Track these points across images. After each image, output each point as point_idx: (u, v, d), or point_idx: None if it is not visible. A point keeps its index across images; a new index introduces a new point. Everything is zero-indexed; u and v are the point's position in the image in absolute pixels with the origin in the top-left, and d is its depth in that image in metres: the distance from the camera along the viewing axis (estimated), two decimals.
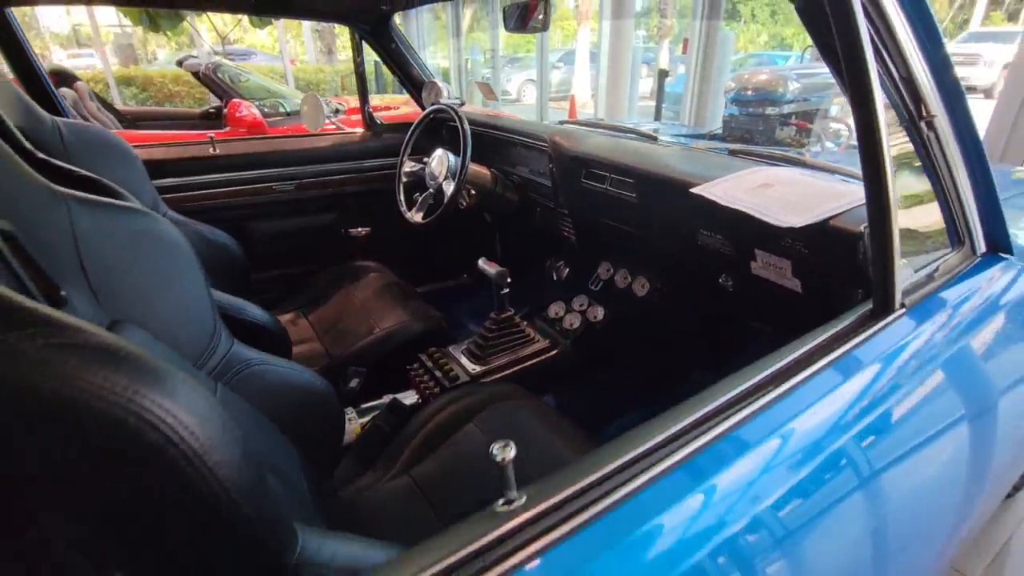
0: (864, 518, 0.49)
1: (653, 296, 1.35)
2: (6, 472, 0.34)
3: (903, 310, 0.56)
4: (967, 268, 0.67)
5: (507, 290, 1.26)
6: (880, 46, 0.52)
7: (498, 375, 1.27)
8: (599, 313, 1.40)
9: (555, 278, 1.69)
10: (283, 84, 6.60)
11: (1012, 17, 20.99)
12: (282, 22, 8.66)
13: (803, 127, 2.55)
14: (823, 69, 3.21)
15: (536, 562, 0.33)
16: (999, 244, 0.71)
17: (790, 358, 0.50)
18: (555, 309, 1.45)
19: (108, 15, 9.52)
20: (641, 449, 0.40)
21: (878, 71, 0.50)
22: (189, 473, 0.33)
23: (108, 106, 3.47)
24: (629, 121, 2.57)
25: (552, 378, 1.35)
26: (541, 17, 0.94)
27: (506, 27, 1.13)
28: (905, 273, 0.59)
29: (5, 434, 0.31)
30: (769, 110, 2.50)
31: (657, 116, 4.89)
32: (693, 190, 0.92)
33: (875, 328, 0.53)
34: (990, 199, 0.67)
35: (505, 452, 0.34)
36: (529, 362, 1.32)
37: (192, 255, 0.76)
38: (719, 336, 1.29)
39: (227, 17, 7.44)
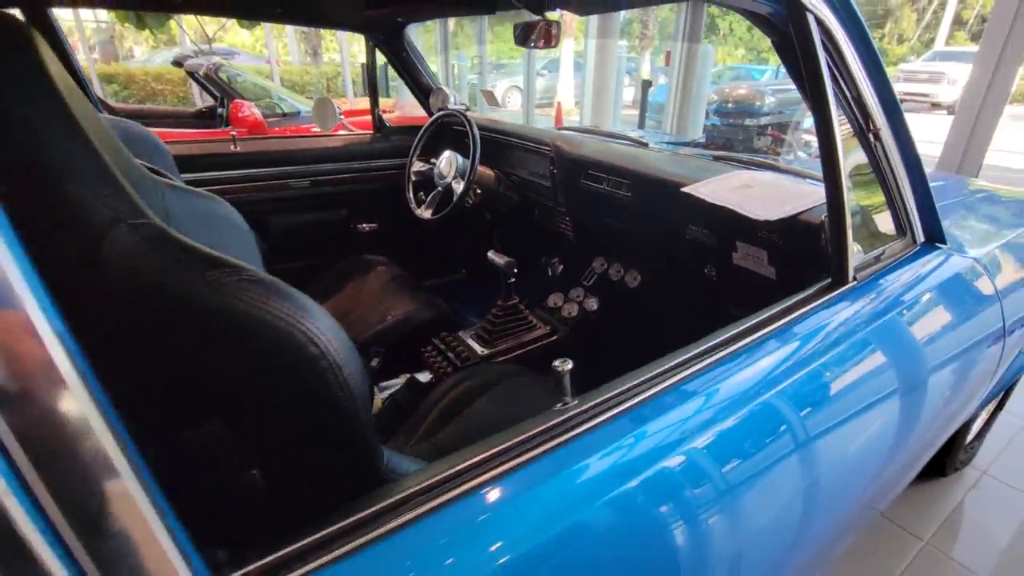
0: (805, 451, 0.63)
1: (643, 288, 1.49)
2: (190, 375, 0.45)
3: (855, 283, 0.70)
4: (908, 254, 0.82)
5: (513, 279, 1.38)
6: (836, 73, 0.66)
7: (504, 357, 1.39)
8: (594, 303, 1.54)
9: (550, 274, 1.82)
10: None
11: (975, 38, 21.89)
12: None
13: (778, 137, 2.76)
14: (786, 84, 3.43)
15: (588, 436, 0.46)
16: (935, 235, 0.86)
17: (762, 318, 0.64)
18: (554, 299, 1.58)
19: (86, 10, 9.39)
20: (632, 383, 0.54)
21: (834, 93, 0.64)
22: (331, 381, 0.44)
23: (103, 103, 3.50)
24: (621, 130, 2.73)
25: (551, 360, 1.48)
26: (555, 33, 1.07)
27: (516, 42, 1.25)
28: (858, 256, 0.73)
29: (210, 343, 0.42)
30: (748, 121, 2.71)
31: (641, 124, 5.08)
32: (684, 189, 1.06)
33: (832, 295, 0.67)
34: (926, 197, 0.82)
35: (564, 365, 0.47)
36: (532, 346, 1.45)
37: (252, 237, 0.87)
38: (700, 322, 1.43)
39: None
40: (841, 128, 0.65)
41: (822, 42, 0.62)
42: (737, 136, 2.86)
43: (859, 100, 0.68)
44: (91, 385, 0.26)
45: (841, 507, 0.73)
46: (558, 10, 1.15)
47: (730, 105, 2.89)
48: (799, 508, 0.63)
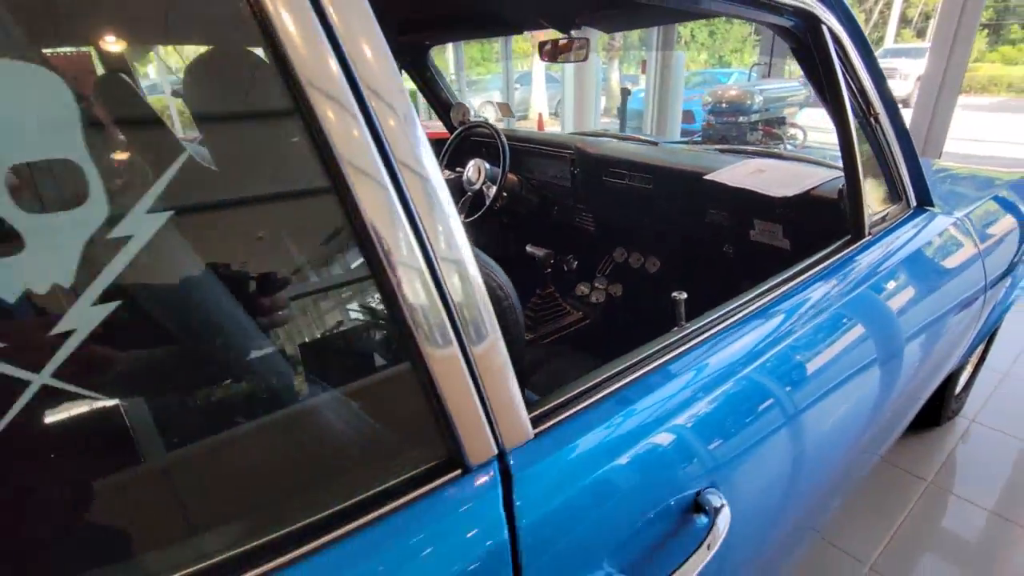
0: (844, 378, 0.78)
1: (663, 272, 1.65)
2: None
3: (871, 236, 0.86)
4: (906, 215, 0.99)
5: (550, 269, 1.53)
6: (844, 71, 0.83)
7: (547, 340, 1.54)
8: (618, 290, 1.69)
9: (565, 269, 1.97)
10: None
11: (920, 34, 22.99)
12: None
13: (768, 132, 3.04)
14: (776, 84, 3.71)
15: (697, 350, 0.61)
16: (925, 200, 1.03)
17: (800, 267, 0.79)
18: (581, 288, 1.73)
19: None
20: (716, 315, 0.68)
21: (845, 85, 0.81)
22: (512, 317, 0.58)
23: None
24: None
25: (588, 341, 1.63)
26: (583, 51, 1.23)
27: (542, 58, 1.41)
28: (869, 213, 0.90)
29: None
30: (740, 119, 2.98)
31: (622, 130, 5.32)
32: (707, 177, 1.23)
33: (854, 248, 0.83)
34: (917, 168, 0.99)
35: (680, 296, 0.62)
36: (568, 329, 1.59)
37: None
38: (719, 295, 1.61)
39: None
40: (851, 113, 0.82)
41: (834, 46, 0.79)
42: (731, 132, 3.13)
43: (862, 91, 0.85)
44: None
45: (856, 442, 0.88)
46: (582, 27, 1.32)
47: (724, 105, 3.17)
48: (827, 439, 0.78)
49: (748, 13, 0.74)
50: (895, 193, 0.99)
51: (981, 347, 1.77)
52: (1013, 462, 1.61)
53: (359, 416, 0.43)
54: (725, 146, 1.54)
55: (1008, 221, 1.29)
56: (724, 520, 0.52)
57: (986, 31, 19.77)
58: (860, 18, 0.95)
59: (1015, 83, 15.64)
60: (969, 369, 1.80)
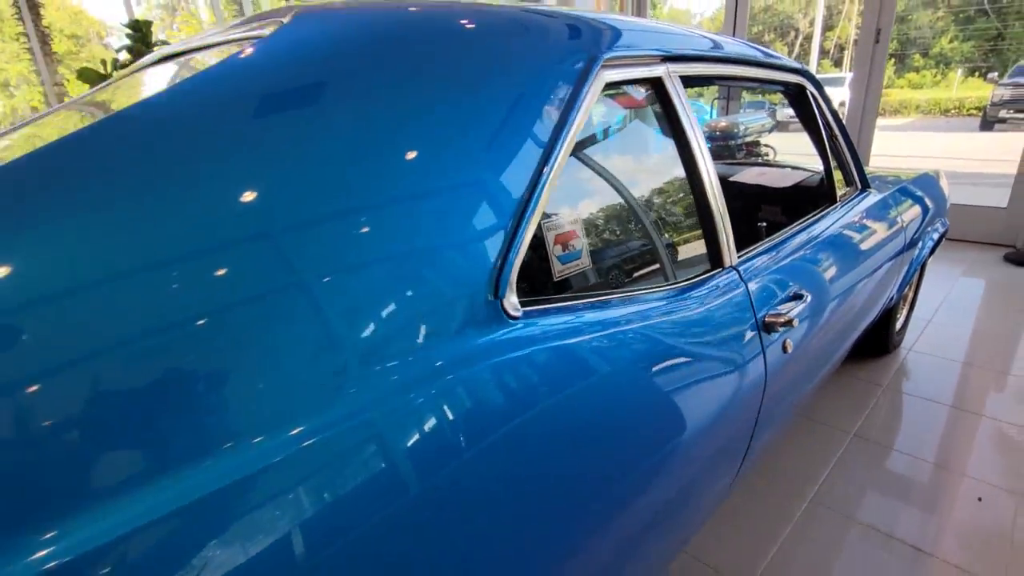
0: (844, 283, 1.41)
1: None
2: None
3: (839, 203, 1.52)
4: (857, 193, 1.67)
5: None
6: (819, 112, 1.50)
7: None
8: None
9: None
10: None
11: (837, 64, 25.41)
12: None
13: (750, 150, 3.93)
14: (751, 117, 4.65)
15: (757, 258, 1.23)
16: (866, 184, 1.72)
17: (803, 220, 1.44)
18: None
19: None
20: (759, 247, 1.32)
21: (820, 120, 1.48)
22: None
23: None
24: None
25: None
26: None
27: None
28: (837, 190, 1.56)
29: None
30: (730, 142, 3.88)
31: None
32: (730, 179, 1.88)
33: (831, 208, 1.49)
34: (860, 167, 1.68)
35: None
36: None
37: None
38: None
39: None
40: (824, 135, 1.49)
41: (813, 99, 1.46)
42: (724, 152, 4.02)
43: (827, 124, 1.53)
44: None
45: (840, 334, 1.52)
46: None
47: (717, 132, 4.10)
48: (813, 349, 1.40)
49: (766, 86, 1.40)
50: (850, 180, 1.67)
51: (909, 293, 2.48)
52: (938, 370, 2.31)
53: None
54: (730, 160, 2.23)
55: (914, 201, 2.00)
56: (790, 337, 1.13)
57: (892, 60, 22.25)
58: (783, 51, 1.59)
59: (922, 106, 17.69)
60: (904, 313, 2.51)
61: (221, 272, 0.40)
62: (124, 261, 0.38)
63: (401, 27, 0.61)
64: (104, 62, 5.96)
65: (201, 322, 0.38)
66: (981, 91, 17.15)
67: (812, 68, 20.89)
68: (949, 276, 3.34)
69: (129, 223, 0.39)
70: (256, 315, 0.40)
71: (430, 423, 0.45)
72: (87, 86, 5.99)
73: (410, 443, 0.44)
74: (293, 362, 0.41)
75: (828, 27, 26.06)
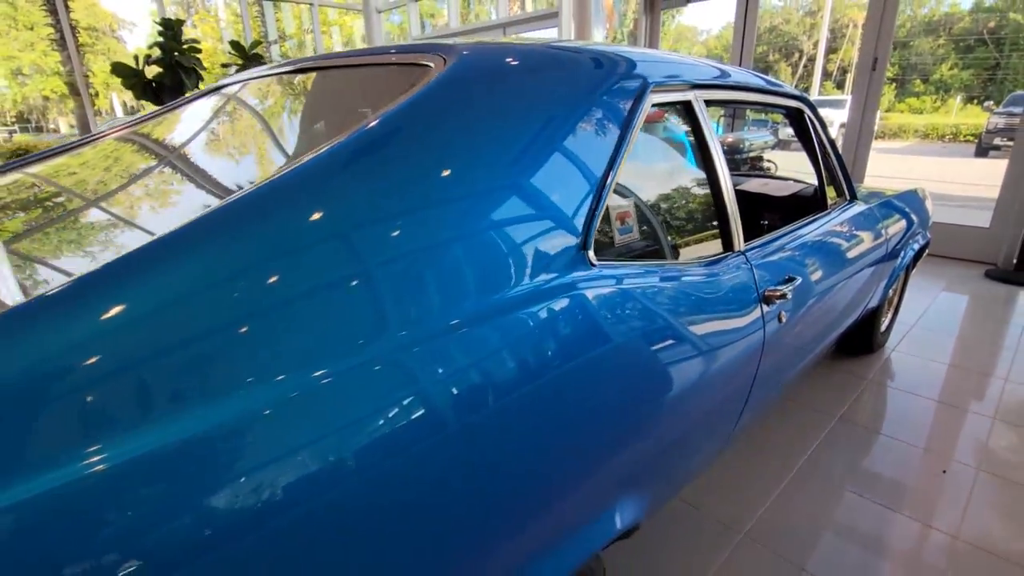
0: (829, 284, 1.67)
1: None
2: None
3: (830, 210, 1.78)
4: (846, 203, 1.93)
5: None
6: (814, 132, 1.76)
7: None
8: None
9: None
10: None
11: (839, 86, 25.85)
12: None
13: (753, 164, 4.27)
14: (754, 135, 5.00)
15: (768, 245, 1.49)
16: (854, 196, 1.98)
17: (798, 223, 1.70)
18: None
19: None
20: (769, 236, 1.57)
21: (815, 140, 1.75)
22: None
23: None
24: None
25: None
26: None
27: None
28: (829, 199, 1.82)
29: None
30: (736, 156, 4.22)
31: None
32: (737, 188, 2.14)
33: (823, 214, 1.75)
34: (849, 181, 1.94)
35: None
36: None
37: None
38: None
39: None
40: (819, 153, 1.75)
41: (810, 121, 1.72)
42: (730, 165, 4.42)
43: (821, 143, 1.79)
44: None
45: (821, 329, 1.77)
46: None
47: (725, 147, 4.51)
48: (801, 324, 1.65)
49: (771, 109, 1.66)
50: (840, 191, 1.93)
51: (894, 298, 2.74)
52: (919, 368, 2.56)
53: None
54: (736, 172, 2.49)
55: (897, 213, 2.27)
56: (785, 310, 1.38)
57: (893, 85, 22.72)
58: (787, 71, 1.84)
59: (920, 130, 18.10)
60: (888, 316, 2.77)
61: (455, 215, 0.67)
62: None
63: (541, 59, 0.89)
64: (137, 58, 6.22)
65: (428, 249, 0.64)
66: (978, 119, 17.58)
67: (815, 89, 21.30)
68: (932, 289, 3.61)
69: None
70: (466, 248, 0.66)
71: (547, 319, 0.71)
72: (119, 79, 6.23)
73: (538, 328, 0.70)
74: (478, 276, 0.66)
75: (832, 49, 26.59)
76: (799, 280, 1.32)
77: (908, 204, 2.39)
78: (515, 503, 0.69)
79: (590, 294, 0.78)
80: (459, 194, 0.68)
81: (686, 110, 1.17)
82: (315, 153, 0.65)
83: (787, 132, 5.91)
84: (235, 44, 6.55)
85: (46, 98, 23.09)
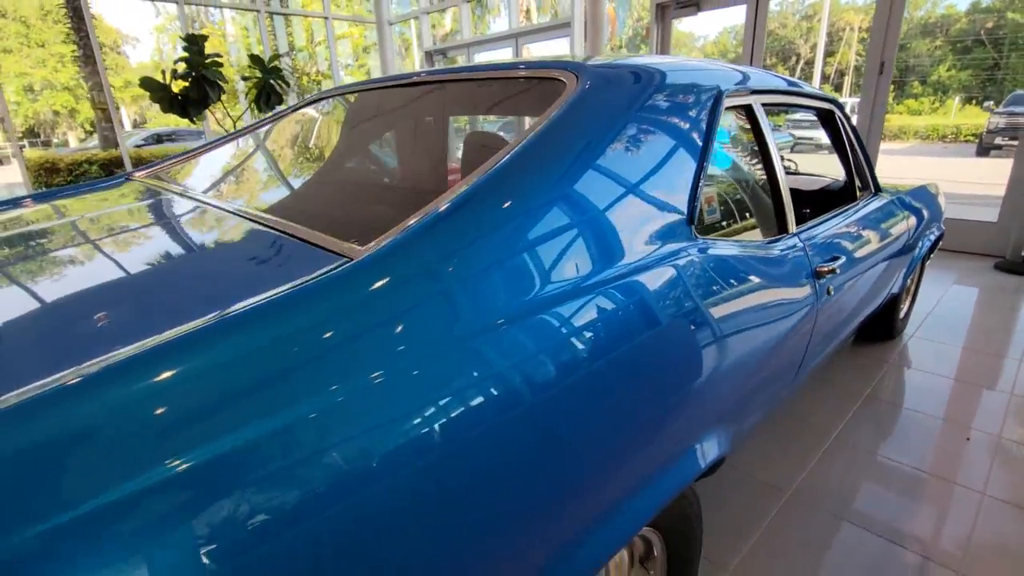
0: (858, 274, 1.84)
1: None
2: None
3: (859, 201, 1.96)
4: (872, 195, 2.11)
5: None
6: (844, 131, 1.94)
7: None
8: None
9: None
10: None
11: (837, 88, 26.08)
12: None
13: None
14: (777, 135, 5.20)
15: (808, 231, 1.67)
16: (878, 189, 2.16)
17: (833, 212, 1.88)
18: None
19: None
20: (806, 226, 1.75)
21: (846, 140, 1.93)
22: None
23: None
24: None
25: None
26: None
27: None
28: (858, 191, 2.01)
29: None
30: None
31: None
32: None
33: (853, 205, 1.93)
34: (874, 174, 2.12)
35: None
36: None
37: None
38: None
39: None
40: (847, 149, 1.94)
41: (840, 121, 1.91)
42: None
43: (851, 142, 1.97)
44: None
45: (860, 304, 1.94)
46: None
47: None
48: (843, 299, 1.82)
49: (808, 110, 1.85)
50: (866, 185, 2.12)
51: (912, 286, 2.92)
52: (936, 352, 2.74)
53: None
54: None
55: (915, 205, 2.45)
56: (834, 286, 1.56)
57: (892, 86, 22.97)
58: (785, 75, 2.00)
59: (921, 131, 18.31)
60: (907, 303, 2.95)
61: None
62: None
63: (660, 75, 1.09)
64: (164, 72, 6.44)
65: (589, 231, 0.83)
66: (978, 119, 17.79)
67: None
68: (945, 281, 3.79)
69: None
70: (614, 220, 0.85)
71: (669, 277, 0.90)
72: (148, 93, 6.45)
73: (659, 288, 0.89)
74: (626, 240, 0.85)
75: (829, 53, 26.89)
76: (842, 259, 1.51)
77: (923, 198, 2.57)
78: (635, 436, 0.86)
79: (697, 258, 0.97)
80: (607, 183, 0.87)
81: (747, 112, 1.36)
82: (507, 154, 0.83)
83: (800, 135, 6.07)
84: (254, 58, 6.77)
85: (56, 113, 23.42)
